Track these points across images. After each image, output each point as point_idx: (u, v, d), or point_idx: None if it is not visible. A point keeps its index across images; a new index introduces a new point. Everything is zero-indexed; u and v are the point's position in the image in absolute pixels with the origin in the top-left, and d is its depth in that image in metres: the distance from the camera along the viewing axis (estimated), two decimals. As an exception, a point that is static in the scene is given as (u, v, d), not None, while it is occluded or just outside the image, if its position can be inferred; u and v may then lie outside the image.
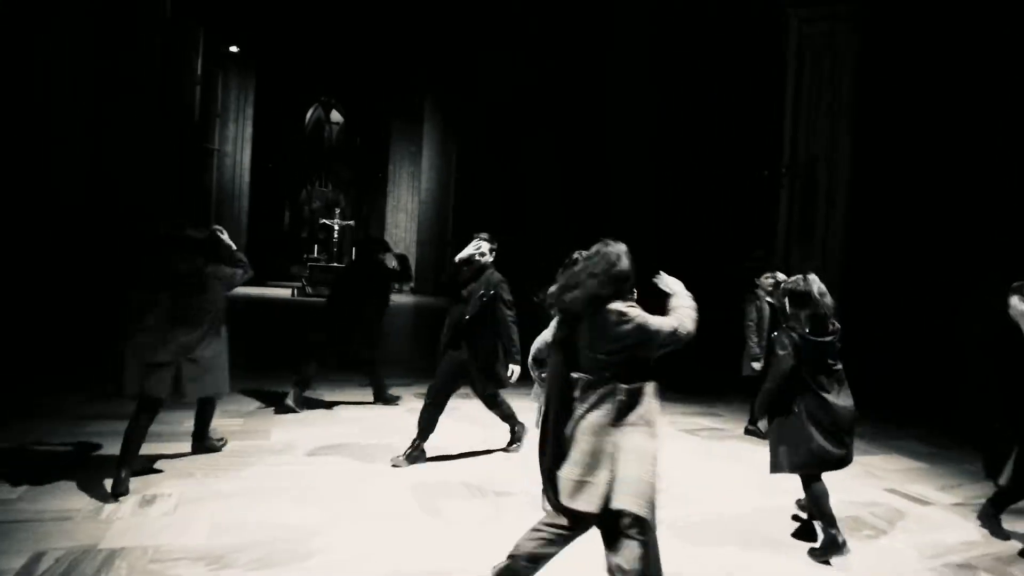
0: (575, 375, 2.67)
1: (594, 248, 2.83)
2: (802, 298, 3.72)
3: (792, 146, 10.03)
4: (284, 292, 22.39)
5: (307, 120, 39.48)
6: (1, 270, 8.89)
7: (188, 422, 5.53)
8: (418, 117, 28.36)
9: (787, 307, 3.79)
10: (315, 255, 27.95)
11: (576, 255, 4.18)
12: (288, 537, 3.46)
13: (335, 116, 39.78)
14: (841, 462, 3.66)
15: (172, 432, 5.30)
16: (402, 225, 29.78)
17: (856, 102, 9.70)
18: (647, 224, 13.04)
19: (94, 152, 12.17)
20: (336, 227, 27.79)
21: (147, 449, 4.77)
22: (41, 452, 4.61)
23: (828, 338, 3.67)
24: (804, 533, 3.96)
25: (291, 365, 8.39)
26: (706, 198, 12.16)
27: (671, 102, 12.79)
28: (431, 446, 5.07)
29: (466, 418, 6.40)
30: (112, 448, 4.73)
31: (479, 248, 4.88)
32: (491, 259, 4.95)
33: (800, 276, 3.86)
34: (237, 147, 24.47)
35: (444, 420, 6.26)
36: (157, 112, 16.46)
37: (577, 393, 2.66)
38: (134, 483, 4.10)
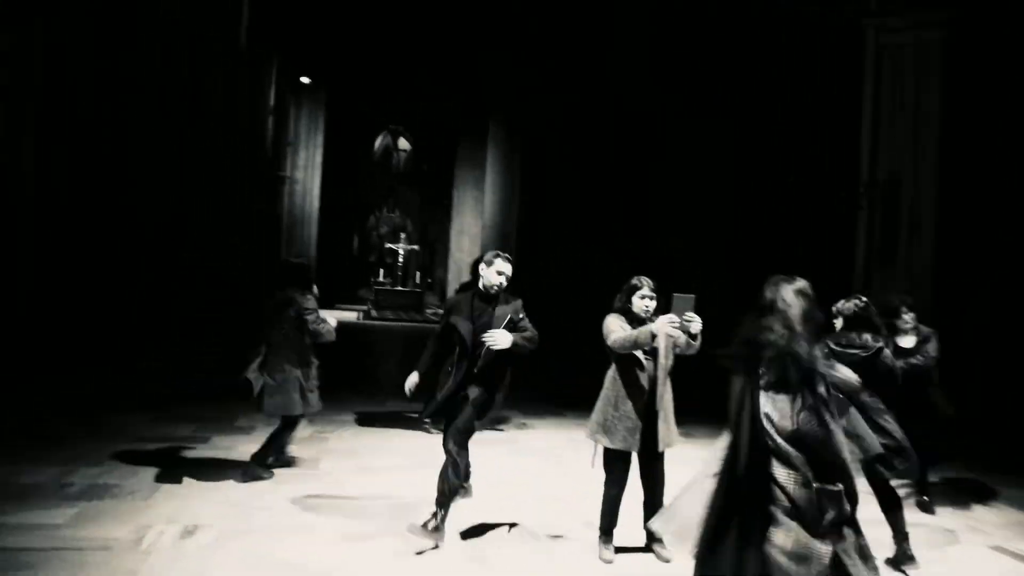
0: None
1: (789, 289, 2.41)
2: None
3: (871, 164, 9.42)
4: (351, 315, 22.74)
5: (376, 147, 40.55)
6: (84, 291, 9.24)
7: (242, 447, 5.53)
8: (482, 142, 28.59)
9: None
10: (381, 279, 28.38)
11: (636, 281, 3.92)
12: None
13: (403, 143, 40.74)
14: None
15: (224, 458, 5.27)
16: (465, 249, 29.90)
17: (942, 115, 9.05)
18: (717, 251, 12.56)
19: (178, 181, 12.69)
20: (401, 252, 28.16)
21: (198, 475, 4.75)
22: (95, 473, 4.62)
23: None
24: None
25: (352, 387, 8.35)
26: (777, 222, 11.61)
27: (738, 121, 12.34)
28: (481, 479, 4.83)
29: (525, 451, 6.15)
30: (166, 473, 4.71)
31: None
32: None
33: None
34: (307, 174, 25.21)
35: (499, 452, 6.06)
36: (235, 142, 17.13)
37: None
38: (179, 511, 4.03)
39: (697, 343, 3.70)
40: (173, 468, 4.88)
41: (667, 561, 3.79)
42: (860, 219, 9.49)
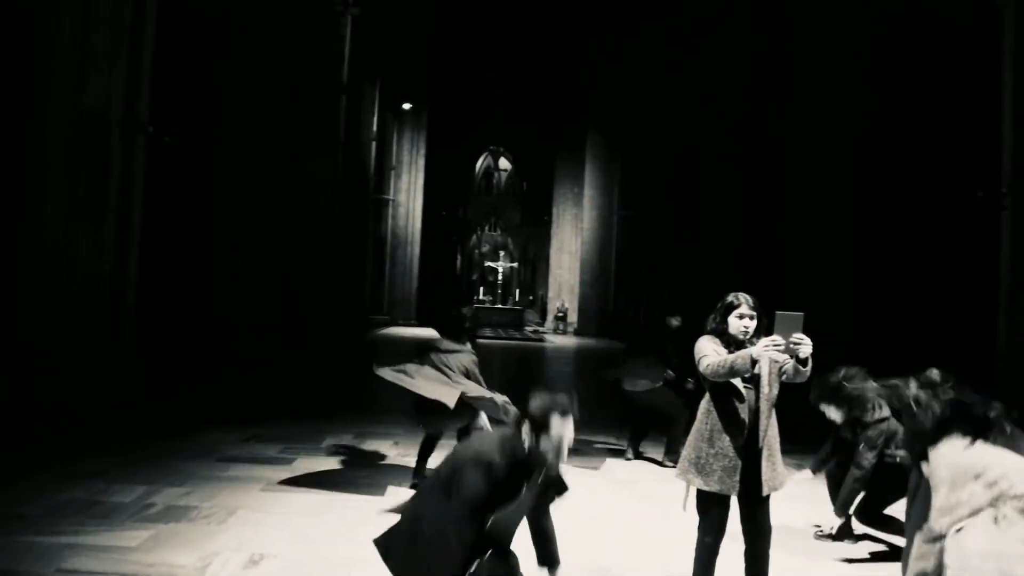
0: None
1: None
2: None
3: (1015, 160, 8.28)
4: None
5: (478, 168, 41.29)
6: (189, 313, 9.68)
7: (324, 467, 5.44)
8: (580, 159, 28.33)
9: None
10: (482, 297, 28.59)
11: (733, 298, 3.42)
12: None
13: (503, 163, 41.22)
14: None
15: (307, 481, 5.18)
16: (565, 266, 29.60)
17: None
18: (839, 266, 11.47)
19: (282, 207, 13.19)
20: (501, 270, 28.25)
21: (275, 500, 4.66)
22: (176, 495, 4.62)
23: None
24: None
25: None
26: (905, 229, 10.47)
27: (859, 121, 11.29)
28: (562, 516, 4.44)
29: (622, 481, 5.70)
30: (243, 497, 4.66)
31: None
32: None
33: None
34: (409, 196, 25.84)
35: (593, 483, 5.64)
36: (342, 169, 17.76)
37: None
38: (249, 539, 3.92)
39: (807, 369, 3.15)
40: (252, 491, 4.83)
41: (773, 623, 3.25)
42: (1004, 222, 8.35)
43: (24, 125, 6.24)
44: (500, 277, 28.64)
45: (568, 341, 23.70)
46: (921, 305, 9.46)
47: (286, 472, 5.38)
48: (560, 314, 28.27)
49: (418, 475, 5.15)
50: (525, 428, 2.82)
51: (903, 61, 10.52)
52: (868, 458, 4.22)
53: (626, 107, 23.05)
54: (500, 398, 4.96)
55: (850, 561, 4.19)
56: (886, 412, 4.35)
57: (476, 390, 4.97)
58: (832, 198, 11.72)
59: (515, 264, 30.98)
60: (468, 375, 5.13)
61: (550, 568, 2.87)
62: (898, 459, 4.15)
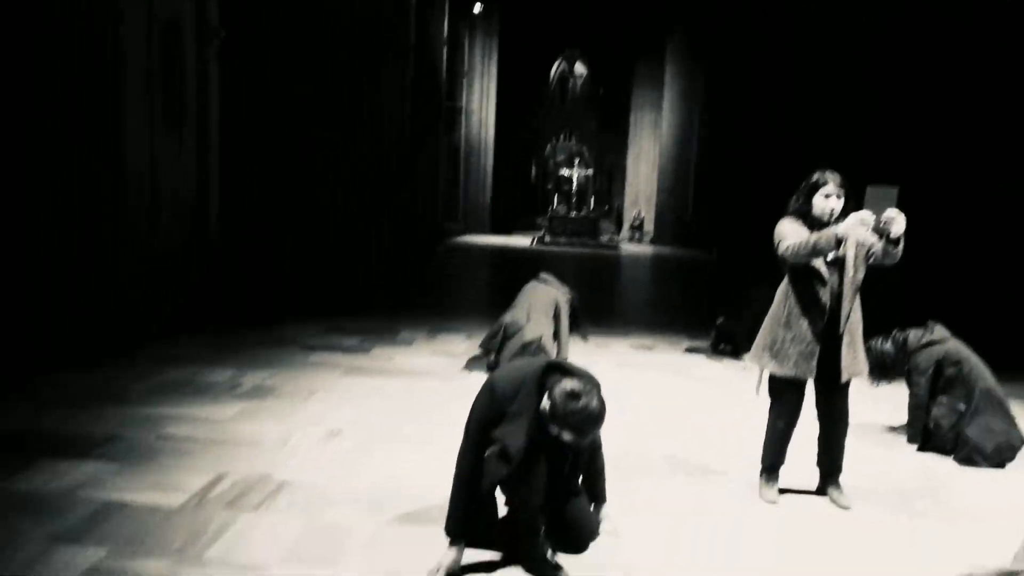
0: None
1: None
2: None
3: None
4: (525, 241, 22.92)
5: (552, 74, 39.86)
6: (274, 220, 9.97)
7: (400, 358, 5.65)
8: (660, 62, 26.86)
9: None
10: (555, 206, 28.22)
11: (819, 176, 3.16)
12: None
13: (579, 68, 39.62)
14: None
15: (382, 368, 5.38)
16: (642, 174, 28.75)
17: None
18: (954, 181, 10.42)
19: (353, 117, 13.20)
20: (575, 178, 27.72)
21: (352, 383, 4.88)
22: (262, 376, 4.90)
23: None
24: None
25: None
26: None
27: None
28: (635, 409, 4.46)
29: (694, 377, 5.66)
30: (323, 380, 4.90)
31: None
32: None
33: None
34: (482, 104, 25.36)
35: (664, 376, 5.62)
36: (413, 76, 17.51)
37: None
38: (327, 415, 4.14)
39: (898, 249, 2.92)
40: (331, 375, 5.07)
41: (845, 508, 3.19)
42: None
43: (101, 39, 6.35)
44: (575, 186, 28.11)
45: (644, 249, 23.29)
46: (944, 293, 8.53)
47: (363, 359, 5.61)
48: (636, 223, 27.69)
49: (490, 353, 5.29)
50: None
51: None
52: (921, 384, 4.04)
53: (710, 8, 21.46)
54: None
55: (922, 450, 4.04)
56: (936, 335, 4.11)
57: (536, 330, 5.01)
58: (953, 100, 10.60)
59: (590, 172, 30.26)
60: (556, 314, 5.23)
61: (596, 504, 2.85)
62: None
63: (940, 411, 4.00)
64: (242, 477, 3.20)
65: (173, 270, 7.01)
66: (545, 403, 2.40)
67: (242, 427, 3.88)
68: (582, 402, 2.33)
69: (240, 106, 8.84)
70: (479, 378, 5.06)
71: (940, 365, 4.05)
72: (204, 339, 5.98)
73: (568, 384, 2.38)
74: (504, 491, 2.59)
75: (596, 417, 2.37)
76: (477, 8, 24.49)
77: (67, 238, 5.40)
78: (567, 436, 2.38)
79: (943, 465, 3.87)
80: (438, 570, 2.43)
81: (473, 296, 10.12)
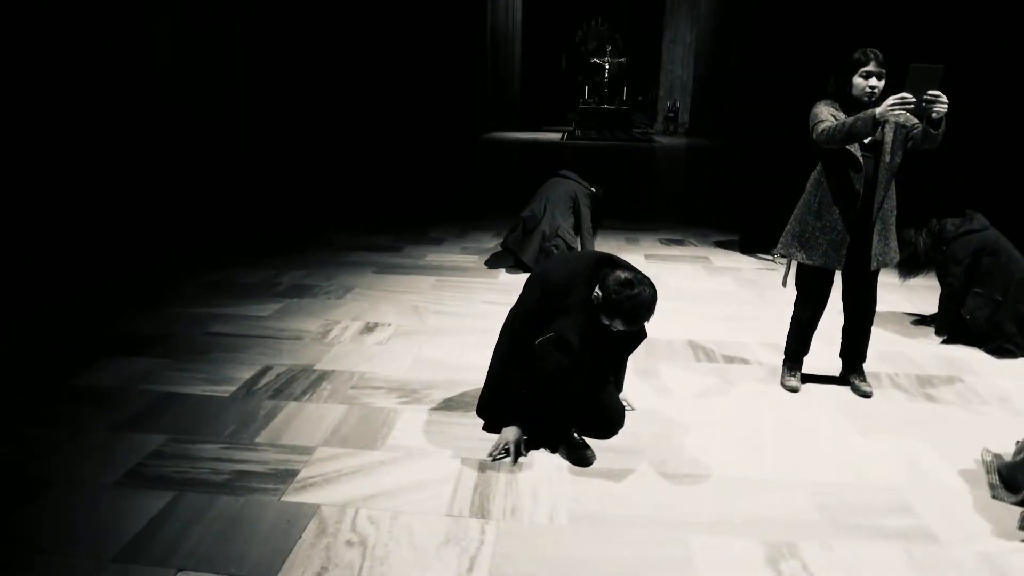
0: None
1: None
2: None
3: None
4: (555, 136, 22.44)
5: (583, -47, 37.43)
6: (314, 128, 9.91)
7: (430, 255, 5.76)
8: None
9: None
10: (587, 97, 27.31)
11: (860, 54, 3.00)
12: (482, 383, 3.28)
13: (612, -56, 37.05)
14: None
15: (414, 264, 5.50)
16: (678, 60, 27.42)
17: None
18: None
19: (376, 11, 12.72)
20: (607, 66, 26.62)
21: (387, 280, 5.01)
22: (300, 275, 5.06)
23: None
24: None
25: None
26: None
27: None
28: (663, 293, 4.51)
29: (717, 271, 5.67)
30: (358, 278, 5.04)
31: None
32: None
33: None
34: (510, -10, 24.11)
35: (692, 268, 5.64)
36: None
37: None
38: (364, 311, 4.30)
39: (939, 131, 2.79)
40: (366, 274, 5.21)
41: (866, 395, 3.26)
42: None
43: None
44: (607, 75, 27.04)
45: (677, 141, 22.62)
46: None
47: (396, 258, 5.74)
48: (671, 114, 26.75)
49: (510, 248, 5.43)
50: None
51: None
52: (956, 274, 3.96)
53: None
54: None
55: (948, 342, 4.05)
56: (976, 224, 3.98)
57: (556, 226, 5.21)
58: None
59: (623, 60, 28.99)
60: (576, 208, 5.32)
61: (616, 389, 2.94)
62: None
63: (976, 302, 3.95)
64: (286, 369, 3.40)
65: (206, 173, 7.12)
66: (597, 293, 2.47)
67: (283, 323, 4.06)
68: (636, 290, 2.40)
69: (270, 9, 8.61)
70: (504, 275, 5.21)
71: (978, 254, 3.97)
72: (241, 243, 6.14)
73: (621, 274, 2.44)
74: (549, 379, 2.59)
75: (649, 304, 2.43)
76: None
77: (104, 152, 5.50)
78: (619, 324, 2.45)
79: (968, 355, 3.89)
80: (504, 449, 2.60)
81: (502, 193, 10.06)
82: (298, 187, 8.87)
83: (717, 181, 11.82)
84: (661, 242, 6.66)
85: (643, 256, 5.97)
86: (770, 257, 6.01)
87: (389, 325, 4.07)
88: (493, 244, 6.27)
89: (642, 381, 3.38)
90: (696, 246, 6.53)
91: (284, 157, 8.86)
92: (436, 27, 16.93)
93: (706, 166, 15.74)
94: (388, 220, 7.34)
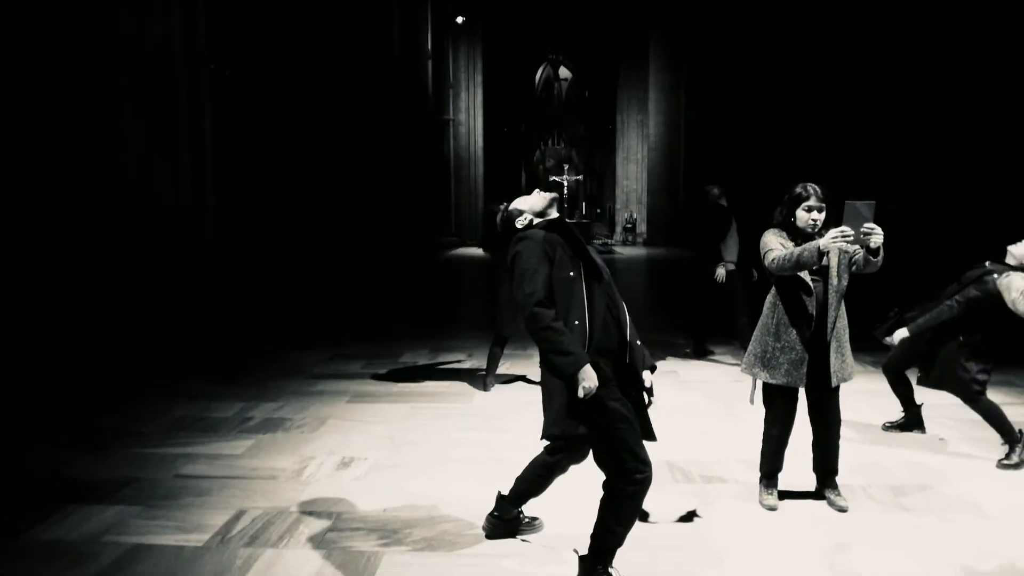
0: None
1: None
2: None
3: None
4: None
5: (537, 80, 40.07)
6: (269, 244, 10.11)
7: (403, 382, 5.77)
8: (643, 62, 27.08)
9: None
10: (548, 213, 28.35)
11: (801, 189, 3.29)
12: (464, 516, 3.25)
13: (563, 72, 39.84)
14: None
15: (387, 392, 5.50)
16: (632, 175, 28.94)
17: None
18: (913, 169, 10.73)
19: (341, 132, 13.35)
20: (566, 183, 27.88)
21: (361, 410, 4.99)
22: (272, 408, 5.01)
23: None
24: None
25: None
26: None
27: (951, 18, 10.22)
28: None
29: (688, 385, 5.78)
30: (332, 409, 5.01)
31: None
32: None
33: None
34: (470, 115, 25.55)
35: (661, 383, 5.73)
36: (399, 91, 17.66)
37: None
38: (339, 444, 4.25)
39: (879, 259, 3.05)
40: (339, 403, 5.18)
41: (842, 510, 3.31)
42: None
43: (92, 67, 6.50)
44: (566, 191, 28.29)
45: (637, 251, 23.46)
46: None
47: (369, 385, 5.73)
48: (628, 225, 27.89)
49: (489, 377, 5.51)
50: None
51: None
52: (962, 302, 3.93)
53: (690, 5, 21.70)
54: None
55: (919, 450, 4.16)
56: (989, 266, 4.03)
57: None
58: (916, 102, 10.84)
59: (580, 177, 30.47)
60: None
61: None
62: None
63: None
64: (261, 512, 3.32)
65: (171, 299, 7.14)
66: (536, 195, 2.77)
67: (256, 462, 3.99)
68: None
69: (234, 130, 9.00)
70: (478, 399, 5.24)
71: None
72: (209, 372, 6.08)
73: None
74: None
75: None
76: (460, 19, 24.70)
77: (63, 268, 5.52)
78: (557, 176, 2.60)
79: (940, 463, 3.99)
80: (591, 387, 2.42)
81: (471, 311, 10.24)
82: (267, 310, 8.89)
83: (679, 290, 12.18)
84: (630, 356, 6.79)
85: (645, 373, 6.06)
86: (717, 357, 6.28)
87: (365, 459, 4.02)
88: (467, 365, 6.33)
89: (623, 506, 3.37)
90: (663, 359, 6.67)
91: (253, 280, 8.97)
92: (402, 147, 17.73)
93: (667, 276, 16.29)
94: (359, 343, 7.37)
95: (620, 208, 29.78)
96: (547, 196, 2.83)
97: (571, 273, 2.56)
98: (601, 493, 2.59)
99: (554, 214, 2.77)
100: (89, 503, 3.41)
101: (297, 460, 4.01)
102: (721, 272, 6.42)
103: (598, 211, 33.40)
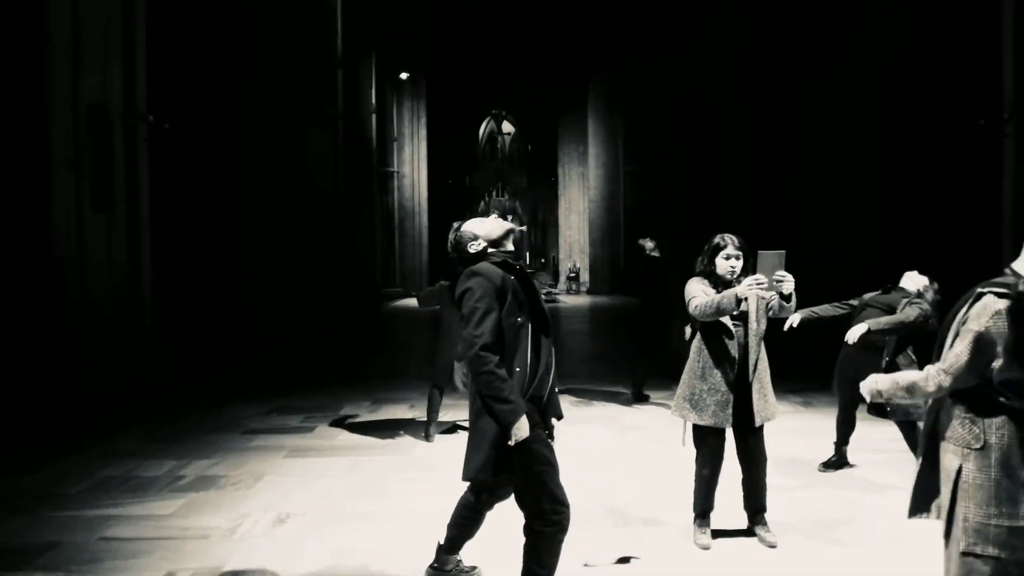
0: None
1: None
2: None
3: (1016, 89, 8.16)
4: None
5: (481, 133, 40.99)
6: (208, 295, 9.91)
7: (344, 436, 5.70)
8: (583, 116, 28.07)
9: None
10: (492, 263, 28.60)
11: (719, 239, 3.51)
12: (402, 571, 3.22)
13: (507, 126, 40.89)
14: None
15: (328, 446, 5.41)
16: (575, 226, 29.60)
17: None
18: (850, 198, 11.47)
19: (284, 184, 13.31)
20: (510, 234, 28.23)
21: (298, 465, 4.89)
22: (205, 466, 4.86)
23: None
24: None
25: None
26: (916, 159, 10.38)
27: (865, 46, 11.12)
28: (577, 458, 4.65)
29: (626, 428, 5.89)
30: (268, 464, 4.90)
31: None
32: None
33: None
34: (414, 167, 25.81)
35: (598, 430, 5.83)
36: (344, 144, 17.77)
37: None
38: (276, 500, 4.16)
39: (792, 304, 3.28)
40: (276, 458, 5.07)
41: (772, 546, 3.42)
42: (1006, 149, 8.29)
43: (27, 123, 6.41)
44: (510, 242, 28.69)
45: (581, 300, 23.83)
46: (932, 234, 9.43)
47: (308, 439, 5.63)
48: (572, 274, 28.36)
49: (430, 427, 5.48)
50: None
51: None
52: (919, 311, 4.15)
53: (627, 60, 22.77)
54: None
55: (846, 486, 4.34)
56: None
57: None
58: (839, 134, 11.64)
59: (524, 228, 30.98)
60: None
61: None
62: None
63: (905, 360, 4.25)
64: (191, 574, 3.21)
65: (106, 356, 6.91)
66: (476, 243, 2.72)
67: (188, 521, 3.86)
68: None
69: (172, 188, 8.90)
70: (420, 450, 5.21)
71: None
72: (141, 428, 5.87)
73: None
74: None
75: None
76: (403, 75, 25.16)
77: None
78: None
79: (865, 498, 4.17)
80: (522, 437, 2.47)
81: (414, 362, 10.19)
82: (203, 365, 8.66)
83: (620, 338, 12.40)
84: (571, 404, 6.87)
85: (553, 419, 6.11)
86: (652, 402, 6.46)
87: (303, 515, 3.94)
88: (409, 416, 6.29)
89: (565, 550, 3.40)
90: (604, 405, 6.78)
91: (189, 334, 8.75)
92: (344, 199, 17.72)
93: (609, 323, 16.58)
94: (298, 396, 7.24)
95: (564, 258, 30.33)
96: (505, 225, 2.81)
97: (519, 319, 2.58)
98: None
99: (510, 246, 2.75)
100: (4, 571, 3.23)
101: (231, 518, 3.90)
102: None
103: (542, 261, 33.93)
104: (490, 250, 2.72)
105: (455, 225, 2.83)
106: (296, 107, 14.18)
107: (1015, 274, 2.05)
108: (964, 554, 2.03)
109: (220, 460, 5.01)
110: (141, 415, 6.39)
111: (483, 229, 2.76)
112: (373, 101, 21.62)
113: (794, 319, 4.18)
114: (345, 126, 18.38)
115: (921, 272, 4.51)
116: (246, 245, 11.11)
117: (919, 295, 4.32)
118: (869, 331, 4.13)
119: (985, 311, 2.01)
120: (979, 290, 2.06)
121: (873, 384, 2.30)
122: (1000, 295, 2.01)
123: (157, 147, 8.48)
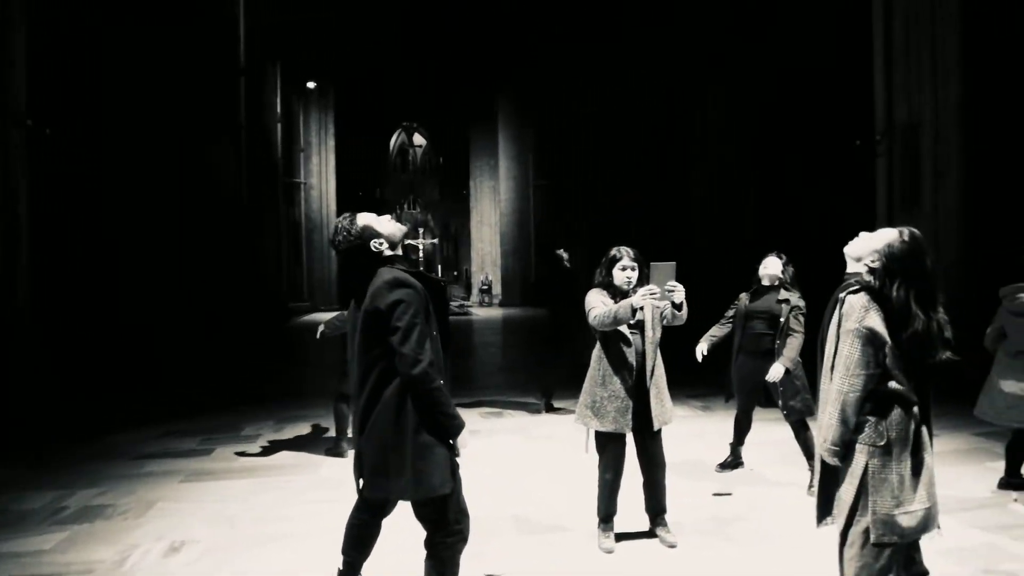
0: None
1: None
2: None
3: (887, 110, 8.93)
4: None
5: (392, 146, 40.60)
6: (98, 313, 9.28)
7: (244, 458, 5.47)
8: (494, 131, 28.36)
9: None
10: (404, 276, 28.44)
11: (616, 252, 3.64)
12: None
13: (418, 139, 40.70)
14: None
15: (227, 468, 5.18)
16: (486, 239, 29.78)
17: (963, 55, 8.50)
18: (738, 208, 12.20)
19: (186, 195, 12.69)
20: (422, 247, 28.13)
21: (195, 489, 4.66)
22: (90, 495, 4.55)
23: None
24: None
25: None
26: (799, 175, 11.14)
27: (748, 70, 11.87)
28: (485, 468, 4.67)
29: (535, 438, 5.96)
30: (162, 490, 4.64)
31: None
32: None
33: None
34: (322, 179, 25.26)
35: (507, 440, 5.88)
36: (247, 154, 17.15)
37: None
38: (169, 528, 3.94)
39: (683, 313, 3.44)
40: (171, 484, 4.81)
41: (672, 546, 3.56)
42: (879, 168, 9.04)
43: None
44: (422, 255, 28.52)
45: (493, 312, 23.96)
46: (810, 247, 10.13)
47: (206, 462, 5.37)
48: (484, 287, 28.49)
49: (341, 441, 5.38)
50: None
51: (789, 20, 11.11)
52: (802, 317, 4.41)
53: (534, 74, 23.21)
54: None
55: (742, 484, 4.57)
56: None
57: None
58: (728, 154, 12.35)
59: (436, 241, 30.92)
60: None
61: None
62: None
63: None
64: (72, 612, 2.99)
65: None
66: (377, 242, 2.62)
67: (69, 556, 3.60)
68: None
69: (56, 193, 8.32)
70: (326, 468, 5.08)
71: None
72: (17, 457, 5.43)
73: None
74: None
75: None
76: (311, 84, 24.63)
77: None
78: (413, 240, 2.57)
79: (755, 491, 4.40)
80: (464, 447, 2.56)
81: (320, 378, 9.93)
82: (87, 386, 8.10)
83: (532, 349, 12.55)
84: (482, 416, 6.90)
85: (467, 431, 6.12)
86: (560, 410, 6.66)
87: (198, 542, 3.75)
88: (314, 435, 6.11)
89: (470, 561, 3.40)
90: (514, 416, 6.84)
91: (71, 351, 8.16)
92: (247, 209, 17.10)
93: (523, 335, 16.74)
94: (195, 418, 6.90)
95: (476, 271, 30.42)
96: (402, 228, 2.74)
97: (435, 332, 2.55)
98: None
99: (399, 251, 2.69)
100: None
101: (119, 550, 3.67)
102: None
103: (455, 273, 33.89)
104: (387, 252, 2.65)
105: (347, 215, 2.71)
106: (196, 115, 13.58)
107: (853, 275, 2.37)
108: (875, 545, 2.23)
109: (107, 488, 4.70)
110: (15, 444, 5.91)
111: (386, 229, 2.66)
112: (279, 110, 21.06)
113: (702, 348, 4.52)
114: (248, 135, 17.79)
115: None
116: (138, 257, 10.51)
117: (785, 289, 4.56)
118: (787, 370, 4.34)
119: (853, 309, 2.24)
120: (839, 296, 2.30)
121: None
122: (856, 291, 2.28)
123: (37, 152, 7.92)
